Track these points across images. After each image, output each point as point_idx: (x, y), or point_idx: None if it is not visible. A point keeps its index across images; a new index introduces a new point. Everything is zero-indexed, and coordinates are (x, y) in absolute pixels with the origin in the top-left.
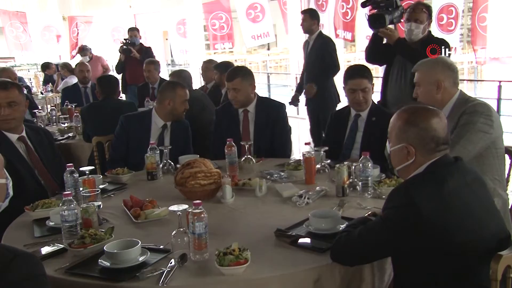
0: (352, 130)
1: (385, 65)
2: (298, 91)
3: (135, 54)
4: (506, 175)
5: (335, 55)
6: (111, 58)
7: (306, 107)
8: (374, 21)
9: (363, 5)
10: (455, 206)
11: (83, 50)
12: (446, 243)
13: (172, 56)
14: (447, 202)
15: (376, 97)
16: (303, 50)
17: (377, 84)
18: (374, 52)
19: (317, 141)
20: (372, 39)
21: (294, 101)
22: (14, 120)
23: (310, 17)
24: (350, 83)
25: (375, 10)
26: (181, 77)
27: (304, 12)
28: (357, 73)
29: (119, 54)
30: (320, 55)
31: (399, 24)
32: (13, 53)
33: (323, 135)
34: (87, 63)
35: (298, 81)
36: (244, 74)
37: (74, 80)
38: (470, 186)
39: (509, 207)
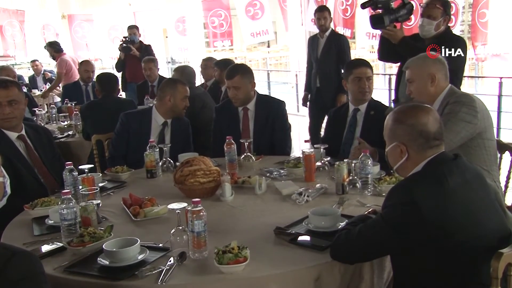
0: (351, 125)
1: (398, 63)
2: (308, 90)
3: (135, 52)
4: (507, 172)
5: (350, 54)
6: (109, 56)
7: (311, 103)
8: (373, 22)
9: (363, 6)
10: (454, 203)
11: (50, 46)
12: (446, 241)
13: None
14: (447, 199)
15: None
16: (309, 48)
17: (382, 81)
18: (384, 51)
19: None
20: (380, 39)
21: (306, 102)
22: (14, 119)
23: (329, 14)
24: (355, 72)
25: (379, 10)
26: (184, 73)
27: (323, 9)
28: (361, 63)
29: (119, 52)
30: (336, 52)
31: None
32: (8, 52)
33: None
34: (91, 62)
35: (306, 79)
36: (243, 71)
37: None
38: (470, 183)
39: (503, 199)
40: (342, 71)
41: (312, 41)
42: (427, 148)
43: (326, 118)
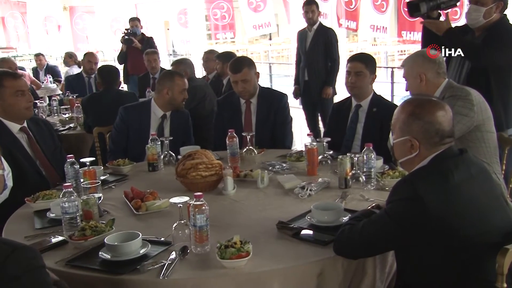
0: (352, 121)
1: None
2: (297, 83)
3: (137, 44)
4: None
5: (337, 47)
6: (111, 48)
7: (301, 97)
8: (410, 10)
9: None
10: (460, 199)
11: None
12: (450, 237)
13: (173, 46)
14: (452, 195)
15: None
16: (298, 41)
17: (384, 74)
18: (427, 41)
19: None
20: (422, 29)
21: (297, 95)
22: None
23: (317, 8)
24: (347, 66)
25: None
26: (183, 64)
27: (311, 3)
28: (355, 58)
29: (121, 44)
30: (324, 46)
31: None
32: (11, 44)
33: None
34: (96, 54)
35: (295, 73)
36: (249, 63)
37: (75, 70)
38: (475, 178)
39: (505, 192)
40: (330, 64)
41: (301, 35)
42: (439, 146)
43: (321, 110)
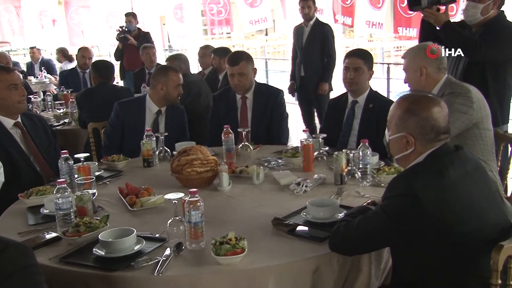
0: (349, 117)
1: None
2: (293, 79)
3: (132, 41)
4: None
5: (334, 43)
6: (108, 43)
7: (297, 93)
8: (410, 3)
9: None
10: (455, 195)
11: None
12: (446, 233)
13: (169, 42)
14: (448, 191)
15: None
16: (295, 37)
17: (380, 70)
18: (425, 36)
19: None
20: (421, 22)
21: (293, 91)
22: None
23: (314, 3)
24: (345, 62)
25: None
26: (177, 59)
27: None
28: (354, 53)
29: (117, 41)
30: (320, 41)
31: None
32: (5, 38)
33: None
34: (90, 49)
35: (291, 68)
36: (247, 57)
37: (69, 65)
38: (470, 175)
39: (501, 189)
40: (326, 60)
41: (297, 30)
42: (434, 142)
43: (316, 105)
